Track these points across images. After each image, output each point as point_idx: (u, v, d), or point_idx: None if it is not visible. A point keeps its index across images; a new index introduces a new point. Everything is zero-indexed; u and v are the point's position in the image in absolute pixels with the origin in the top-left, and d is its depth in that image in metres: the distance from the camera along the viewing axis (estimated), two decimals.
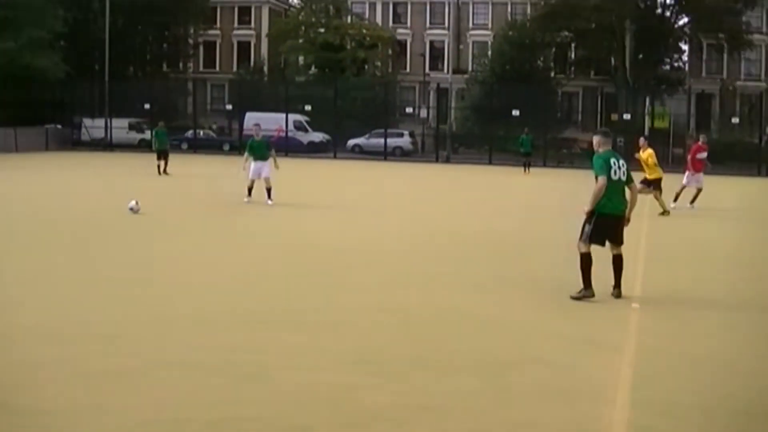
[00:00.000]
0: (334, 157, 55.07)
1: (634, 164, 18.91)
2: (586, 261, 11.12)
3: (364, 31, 72.18)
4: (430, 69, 74.91)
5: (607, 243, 11.37)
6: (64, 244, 15.84)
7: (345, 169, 44.86)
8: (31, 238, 16.31)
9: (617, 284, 11.36)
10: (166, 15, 70.04)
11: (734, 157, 50.10)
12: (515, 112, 53.87)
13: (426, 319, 10.15)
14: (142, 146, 55.68)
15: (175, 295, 11.26)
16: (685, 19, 64.72)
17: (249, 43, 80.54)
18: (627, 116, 57.09)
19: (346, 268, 13.71)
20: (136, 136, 60.09)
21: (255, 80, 74.31)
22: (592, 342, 9.25)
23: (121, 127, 60.25)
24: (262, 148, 24.20)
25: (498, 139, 55.03)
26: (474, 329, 9.73)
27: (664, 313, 10.91)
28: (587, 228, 11.16)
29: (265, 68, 77.93)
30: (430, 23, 77.02)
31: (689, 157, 26.24)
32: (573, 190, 25.78)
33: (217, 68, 79.77)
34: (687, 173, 25.76)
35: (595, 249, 11.22)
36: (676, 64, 70.65)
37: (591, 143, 12.15)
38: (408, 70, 75.98)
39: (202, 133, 62.36)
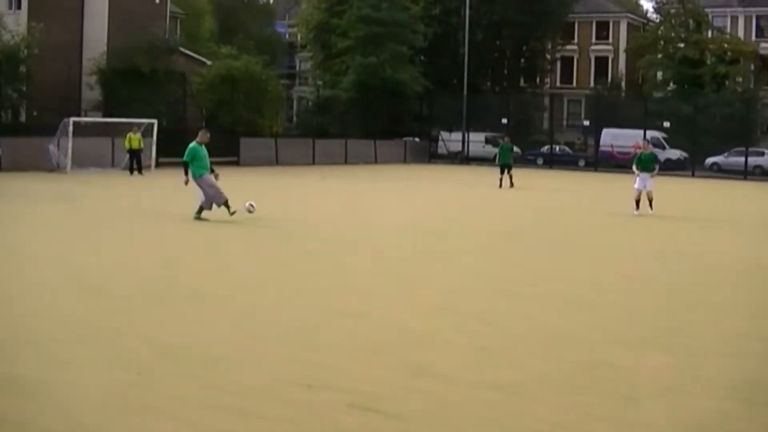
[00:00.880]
0: (692, 175, 53.48)
1: None
2: None
3: (725, 45, 69.65)
4: None
5: None
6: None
7: (704, 187, 43.43)
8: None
9: None
10: (525, 30, 71.00)
11: None
12: None
13: None
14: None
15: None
16: None
17: (607, 58, 79.95)
18: None
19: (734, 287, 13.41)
20: (492, 150, 60.97)
21: (612, 95, 73.65)
22: None
23: (477, 141, 61.31)
24: (649, 162, 25.29)
25: None
26: None
27: None
28: None
29: (623, 83, 77.08)
30: None
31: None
32: None
33: (574, 83, 79.75)
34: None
35: None
36: None
37: None
38: None
39: (558, 148, 62.51)
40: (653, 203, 24.85)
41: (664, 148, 58.43)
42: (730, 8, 74.61)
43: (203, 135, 20.95)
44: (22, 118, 47.64)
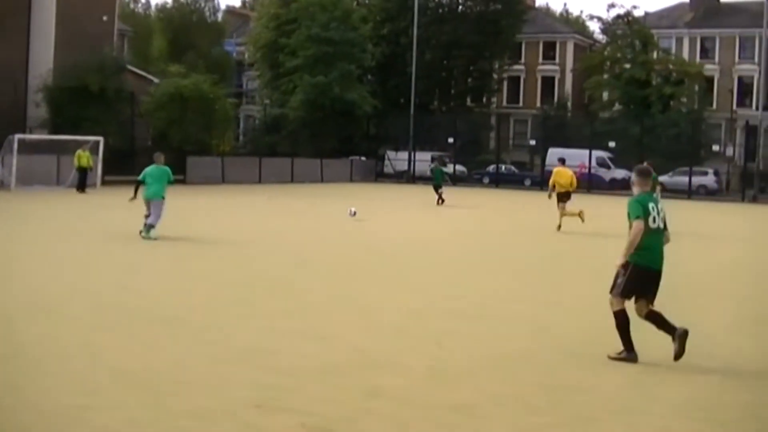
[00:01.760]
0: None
1: None
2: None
3: (671, 66, 70.58)
4: (738, 105, 72.02)
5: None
6: None
7: None
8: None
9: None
10: (474, 50, 71.41)
11: None
12: None
13: None
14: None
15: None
16: None
17: (554, 78, 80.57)
18: None
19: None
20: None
21: (559, 115, 74.28)
22: None
23: (423, 160, 61.32)
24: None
25: None
26: None
27: None
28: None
29: (569, 103, 77.74)
30: (740, 58, 74.21)
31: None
32: None
33: (521, 103, 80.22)
34: None
35: None
36: None
37: None
38: (714, 106, 73.13)
39: (504, 167, 62.90)
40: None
41: (609, 168, 59.08)
42: (676, 30, 75.73)
43: (157, 157, 20.94)
44: None
